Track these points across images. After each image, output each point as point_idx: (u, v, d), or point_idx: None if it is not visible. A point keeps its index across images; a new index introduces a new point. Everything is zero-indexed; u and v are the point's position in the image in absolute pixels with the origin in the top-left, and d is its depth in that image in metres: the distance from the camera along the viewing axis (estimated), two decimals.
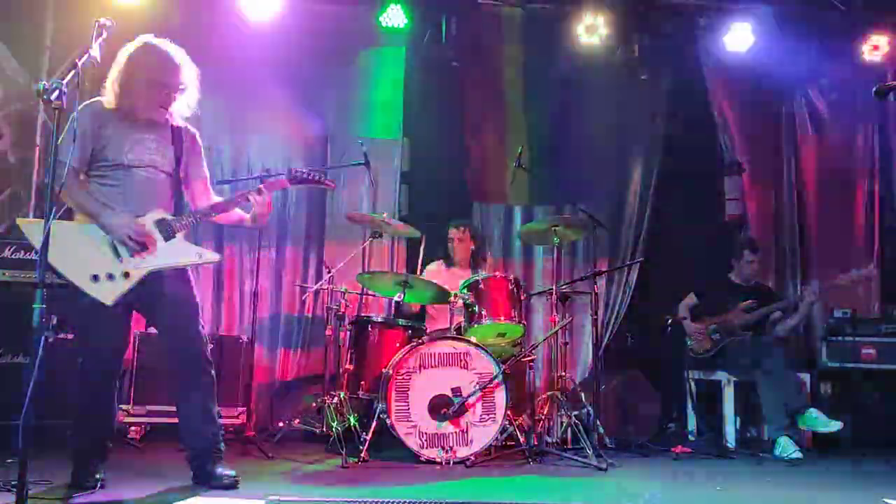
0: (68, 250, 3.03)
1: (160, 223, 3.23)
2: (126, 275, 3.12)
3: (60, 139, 3.04)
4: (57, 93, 2.54)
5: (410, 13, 5.92)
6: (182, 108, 3.37)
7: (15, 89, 5.29)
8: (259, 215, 3.46)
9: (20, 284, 4.37)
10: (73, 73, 2.70)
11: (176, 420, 3.99)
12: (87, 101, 3.22)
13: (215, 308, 5.74)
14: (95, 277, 3.05)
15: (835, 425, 4.83)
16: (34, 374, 2.43)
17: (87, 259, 3.03)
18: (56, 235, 2.96)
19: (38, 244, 3.04)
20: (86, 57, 2.81)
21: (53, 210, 2.60)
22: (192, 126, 3.50)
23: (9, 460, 3.59)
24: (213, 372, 3.40)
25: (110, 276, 3.08)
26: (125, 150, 3.20)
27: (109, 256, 3.11)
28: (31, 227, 3.14)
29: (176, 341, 3.35)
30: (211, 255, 3.43)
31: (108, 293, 3.06)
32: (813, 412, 4.91)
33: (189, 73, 3.33)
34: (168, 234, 3.24)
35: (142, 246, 3.16)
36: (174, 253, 3.25)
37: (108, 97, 3.22)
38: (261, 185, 3.46)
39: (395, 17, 5.89)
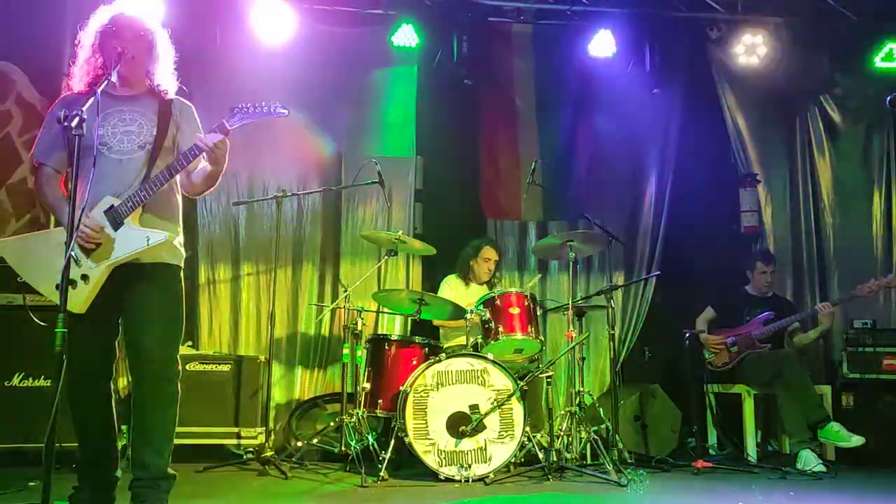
0: (36, 262, 2.88)
1: (109, 211, 2.90)
2: (84, 277, 2.87)
3: (39, 141, 3.02)
4: (77, 120, 2.55)
5: (422, 32, 5.96)
6: (165, 78, 3.12)
7: (34, 115, 5.35)
8: (213, 161, 3.01)
9: (39, 309, 4.38)
10: (92, 99, 2.71)
11: (191, 440, 4.03)
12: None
13: (232, 328, 5.76)
14: (59, 286, 2.74)
15: (856, 440, 4.77)
16: (56, 397, 2.43)
17: (51, 268, 2.77)
18: (24, 249, 2.93)
19: (11, 262, 2.93)
20: (104, 84, 2.83)
21: (74, 236, 2.58)
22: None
23: (31, 483, 3.62)
24: (168, 400, 2.96)
25: (72, 283, 2.81)
26: (95, 128, 2.86)
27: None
28: (4, 245, 3.02)
29: (132, 356, 2.96)
30: (157, 236, 2.92)
31: (73, 301, 2.79)
32: (835, 426, 4.85)
33: (144, 34, 3.06)
34: (117, 222, 2.89)
35: (96, 244, 2.89)
36: (123, 242, 2.89)
37: (76, 82, 3.06)
38: (201, 136, 2.97)
39: (406, 37, 5.94)
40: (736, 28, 6.20)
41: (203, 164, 3.09)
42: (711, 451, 5.45)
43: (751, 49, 6.14)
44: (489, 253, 5.43)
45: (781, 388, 5.02)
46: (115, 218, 2.90)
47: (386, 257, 5.17)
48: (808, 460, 4.77)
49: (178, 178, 3.13)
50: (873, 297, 5.33)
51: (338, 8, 5.96)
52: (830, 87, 6.51)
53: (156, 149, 3.02)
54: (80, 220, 2.69)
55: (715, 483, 4.42)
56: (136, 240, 2.90)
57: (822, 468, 4.71)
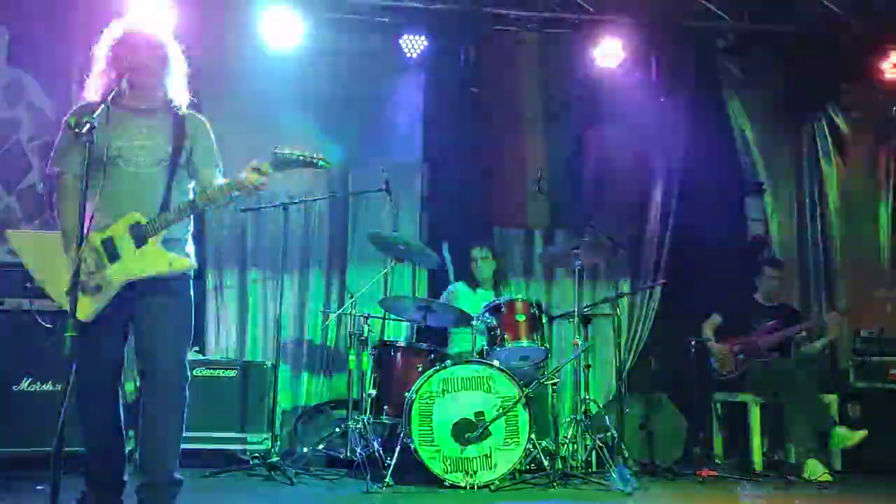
0: (51, 263, 2.89)
1: (133, 228, 2.92)
2: (98, 287, 2.88)
3: (54, 150, 3.04)
4: (87, 127, 2.57)
5: (429, 41, 5.99)
6: (178, 93, 3.13)
7: (44, 121, 5.40)
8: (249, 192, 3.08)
9: (46, 313, 4.40)
10: (102, 106, 2.74)
11: (197, 445, 4.01)
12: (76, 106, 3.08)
13: (239, 333, 5.80)
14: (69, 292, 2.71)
15: (860, 434, 4.80)
16: (65, 402, 2.45)
17: (63, 272, 2.77)
18: (41, 247, 2.94)
19: (24, 257, 2.97)
20: (115, 91, 2.86)
21: (84, 241, 2.60)
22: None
23: (39, 487, 3.64)
24: (177, 406, 2.98)
25: (83, 290, 2.83)
26: (111, 140, 2.91)
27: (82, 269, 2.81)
28: (21, 239, 3.06)
29: (142, 362, 2.98)
30: (181, 263, 3.00)
31: (82, 308, 2.79)
32: (839, 430, 4.85)
33: (157, 46, 3.07)
34: (140, 241, 2.91)
35: (115, 255, 2.90)
36: (144, 261, 2.91)
37: (90, 94, 3.05)
38: (240, 179, 3.02)
39: (414, 45, 5.97)
40: (742, 37, 6.20)
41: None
42: (717, 460, 5.44)
43: (757, 58, 6.14)
44: (475, 253, 5.51)
45: (788, 397, 5.01)
46: (140, 235, 2.92)
47: (392, 264, 5.19)
48: (815, 469, 4.75)
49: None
50: (880, 307, 5.31)
51: (346, 16, 6.00)
52: (837, 96, 6.51)
53: (172, 165, 3.04)
54: (86, 234, 2.70)
55: (720, 492, 4.41)
56: (158, 262, 2.94)
57: (828, 477, 4.70)
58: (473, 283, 5.53)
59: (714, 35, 6.29)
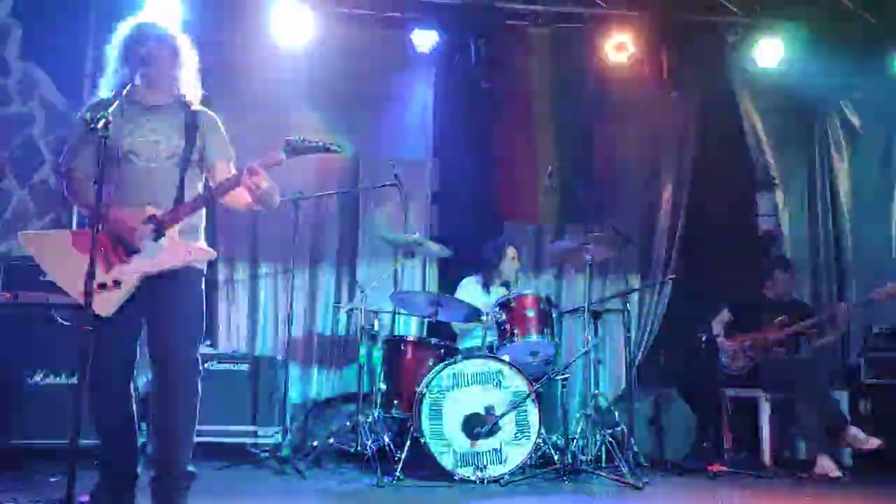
0: (63, 261, 2.88)
1: (149, 221, 2.92)
2: (116, 283, 2.88)
3: (67, 147, 3.05)
4: (103, 122, 2.58)
5: (440, 36, 5.99)
6: (190, 88, 3.14)
7: (56, 116, 5.43)
8: (259, 196, 3.04)
9: (63, 307, 4.43)
10: (117, 102, 2.75)
11: (208, 439, 4.03)
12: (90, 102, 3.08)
13: (250, 327, 5.81)
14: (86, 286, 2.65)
15: (874, 442, 4.76)
16: (80, 395, 2.47)
17: (80, 269, 2.69)
18: (52, 246, 2.95)
19: (38, 257, 2.95)
20: (129, 86, 2.87)
21: (97, 235, 2.62)
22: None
23: (53, 478, 3.67)
24: (190, 399, 2.98)
25: (102, 286, 2.82)
26: (124, 135, 2.91)
27: (99, 264, 2.81)
28: (34, 239, 3.06)
29: (155, 355, 2.98)
30: (199, 253, 3.02)
31: (102, 304, 2.81)
32: (852, 430, 4.83)
33: (168, 40, 3.08)
34: (157, 234, 2.91)
35: (133, 249, 2.90)
36: (163, 254, 2.92)
37: (104, 91, 3.05)
38: (252, 164, 3.00)
39: (424, 40, 5.97)
40: (754, 31, 6.16)
41: (245, 196, 3.08)
42: (727, 456, 5.43)
43: (769, 52, 6.11)
44: (512, 252, 5.49)
45: (798, 392, 5.00)
46: (155, 228, 2.92)
47: (403, 259, 5.20)
48: (825, 465, 4.75)
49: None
50: (891, 301, 5.28)
51: (356, 11, 6.00)
52: (850, 90, 6.47)
53: (184, 160, 3.04)
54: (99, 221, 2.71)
55: (730, 487, 4.41)
56: (177, 254, 2.94)
57: (838, 473, 4.69)
58: (489, 280, 5.48)
59: (725, 29, 6.25)
